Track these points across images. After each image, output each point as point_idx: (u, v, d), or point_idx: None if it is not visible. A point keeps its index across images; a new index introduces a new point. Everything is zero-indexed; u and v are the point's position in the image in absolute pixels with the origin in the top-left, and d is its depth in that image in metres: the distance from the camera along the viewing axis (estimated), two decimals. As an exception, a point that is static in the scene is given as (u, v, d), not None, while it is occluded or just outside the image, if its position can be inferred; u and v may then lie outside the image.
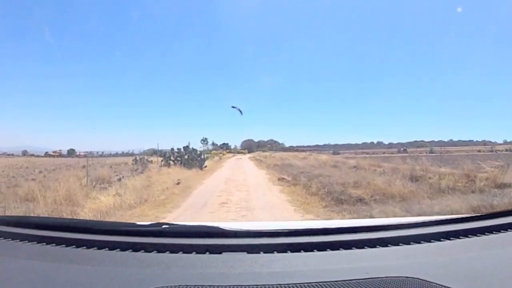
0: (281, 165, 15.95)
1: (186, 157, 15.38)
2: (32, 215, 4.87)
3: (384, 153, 29.33)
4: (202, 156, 16.52)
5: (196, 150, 16.23)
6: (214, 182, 10.00)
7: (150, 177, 9.78)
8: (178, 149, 15.90)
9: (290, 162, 17.82)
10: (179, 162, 14.88)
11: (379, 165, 11.75)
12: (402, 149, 34.62)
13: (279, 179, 9.85)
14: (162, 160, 14.90)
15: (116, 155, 18.51)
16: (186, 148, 16.01)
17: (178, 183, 8.88)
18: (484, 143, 34.36)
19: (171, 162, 14.76)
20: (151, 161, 15.27)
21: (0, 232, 0.90)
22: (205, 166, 15.80)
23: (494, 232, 0.86)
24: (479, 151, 24.89)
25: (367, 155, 24.20)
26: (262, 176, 11.80)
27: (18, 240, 0.86)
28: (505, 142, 30.36)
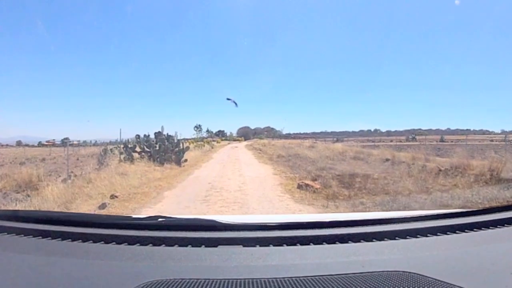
0: (287, 157, 14.46)
1: (157, 147, 12.38)
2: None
3: (391, 141, 29.89)
4: (181, 146, 13.49)
5: (172, 137, 13.24)
6: (185, 197, 6.51)
7: (90, 181, 7.67)
8: (146, 136, 12.96)
9: (296, 151, 16.30)
10: (148, 154, 12.11)
11: (427, 159, 9.70)
12: (410, 137, 36.48)
13: (299, 186, 6.95)
14: (121, 153, 12.14)
15: (109, 143, 17.86)
16: (158, 135, 12.92)
17: (102, 206, 5.78)
18: (482, 132, 36.14)
19: (137, 155, 12.06)
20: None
21: None
22: (185, 160, 13.01)
23: (491, 227, 0.97)
24: (491, 140, 25.74)
25: (373, 143, 24.40)
26: (268, 179, 8.68)
27: (13, 234, 0.96)
28: (503, 132, 31.88)
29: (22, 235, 0.95)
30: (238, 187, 7.36)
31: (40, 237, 0.92)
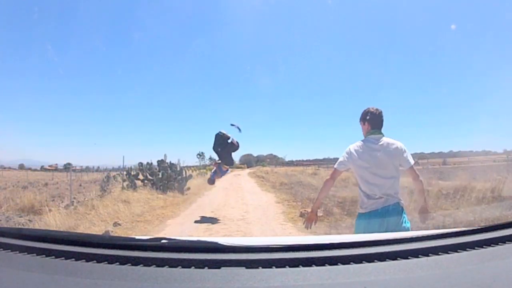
0: (290, 184, 14.49)
1: (159, 175, 12.24)
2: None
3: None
4: (184, 174, 13.31)
5: (175, 165, 13.10)
6: (187, 225, 6.60)
7: (93, 208, 7.61)
8: (149, 164, 12.96)
9: (299, 179, 16.26)
10: (151, 182, 12.02)
11: (429, 183, 9.36)
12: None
13: (302, 214, 7.17)
14: (124, 181, 12.06)
15: (112, 170, 17.94)
16: (160, 162, 12.87)
17: (105, 234, 6.17)
18: (485, 153, 36.26)
19: (140, 183, 11.94)
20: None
21: (0, 244, 1.01)
22: (188, 189, 12.95)
23: (492, 245, 0.98)
24: (494, 161, 25.52)
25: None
26: (271, 207, 8.72)
27: (17, 252, 0.98)
28: (505, 151, 31.84)
29: (26, 253, 0.96)
30: (241, 216, 7.39)
31: (44, 255, 0.93)
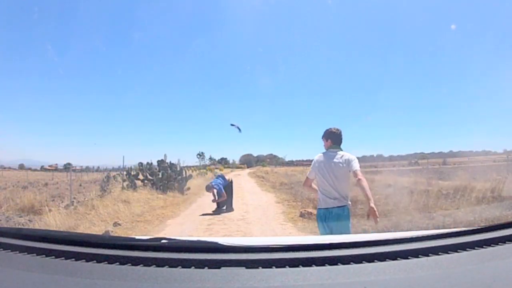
0: (290, 184, 14.63)
1: (159, 175, 12.24)
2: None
3: (394, 166, 29.90)
4: (184, 174, 13.30)
5: (175, 165, 13.10)
6: (188, 225, 6.62)
7: (93, 208, 7.67)
8: (149, 164, 12.99)
9: (299, 179, 16.01)
10: (151, 182, 12.03)
11: (429, 183, 9.55)
12: (413, 161, 36.73)
13: (302, 214, 7.16)
14: (124, 181, 12.04)
15: (112, 170, 17.95)
16: (160, 162, 12.89)
17: (105, 234, 5.84)
18: (485, 153, 36.44)
19: (140, 183, 11.94)
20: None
21: (0, 244, 1.01)
22: (188, 189, 12.96)
23: (492, 245, 0.98)
24: (494, 161, 25.63)
25: (375, 169, 24.41)
26: (271, 207, 8.77)
27: (17, 252, 0.98)
28: (505, 151, 32.07)
29: (26, 253, 0.96)
30: (241, 216, 7.40)
31: (44, 255, 0.93)
